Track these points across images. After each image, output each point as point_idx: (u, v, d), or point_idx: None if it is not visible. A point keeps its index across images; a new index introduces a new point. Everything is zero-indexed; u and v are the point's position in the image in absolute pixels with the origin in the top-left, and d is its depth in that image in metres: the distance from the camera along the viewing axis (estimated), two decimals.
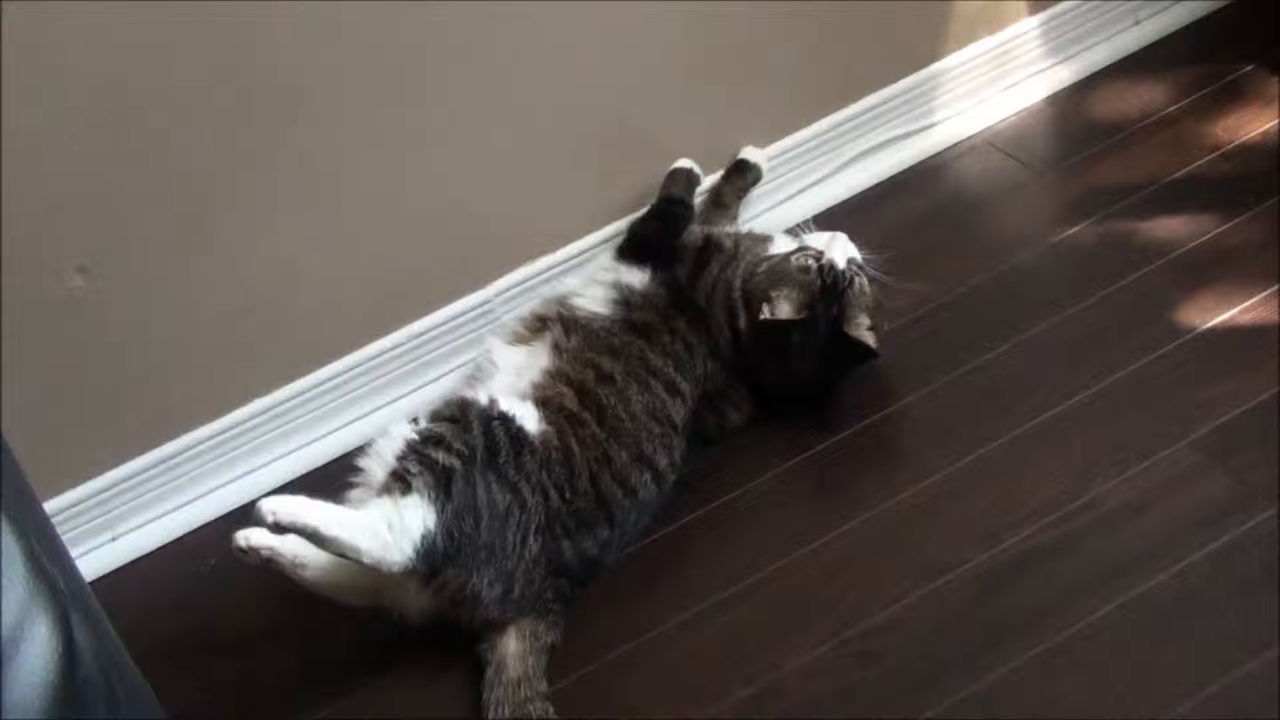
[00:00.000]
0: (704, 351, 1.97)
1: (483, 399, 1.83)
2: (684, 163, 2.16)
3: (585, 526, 1.80)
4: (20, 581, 0.98)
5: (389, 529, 1.66)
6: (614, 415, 1.86)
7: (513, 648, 1.73)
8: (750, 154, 2.23)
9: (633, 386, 1.89)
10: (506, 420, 1.79)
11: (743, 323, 1.98)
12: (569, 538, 1.79)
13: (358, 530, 1.65)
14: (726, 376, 1.99)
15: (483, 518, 1.71)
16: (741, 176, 2.23)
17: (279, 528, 1.65)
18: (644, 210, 2.15)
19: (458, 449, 1.74)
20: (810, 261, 1.97)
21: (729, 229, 2.15)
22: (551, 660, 1.75)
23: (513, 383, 1.90)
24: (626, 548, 1.87)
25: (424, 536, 1.67)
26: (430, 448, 1.74)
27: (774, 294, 1.94)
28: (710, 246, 2.05)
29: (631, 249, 2.08)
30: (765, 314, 1.93)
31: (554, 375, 1.90)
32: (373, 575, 1.71)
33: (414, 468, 1.72)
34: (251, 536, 1.67)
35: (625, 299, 1.99)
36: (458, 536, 1.69)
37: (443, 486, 1.70)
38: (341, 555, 1.66)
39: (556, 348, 1.94)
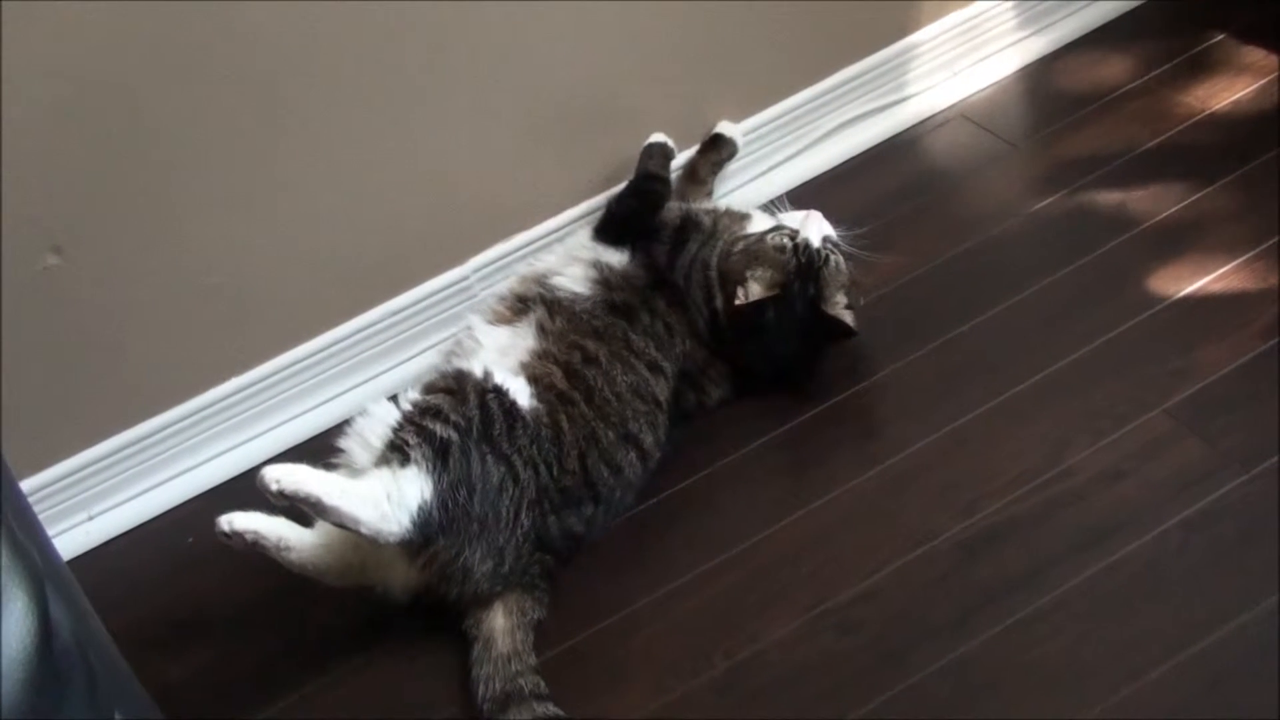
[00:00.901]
0: (683, 330, 1.98)
1: (478, 371, 1.82)
2: (658, 137, 2.15)
3: (572, 504, 1.81)
4: None
5: (388, 500, 1.66)
6: (601, 396, 1.87)
7: (500, 623, 1.73)
8: (725, 128, 2.23)
9: (617, 367, 1.90)
10: (501, 393, 1.79)
11: (719, 303, 1.98)
12: (555, 514, 1.79)
13: (357, 501, 1.65)
14: (706, 354, 2.00)
15: (476, 490, 1.71)
16: (716, 151, 2.23)
17: (282, 495, 1.63)
18: (620, 188, 2.14)
19: (455, 420, 1.74)
20: (785, 240, 1.97)
21: (707, 205, 2.15)
22: (537, 635, 1.75)
23: (498, 360, 1.90)
24: (610, 524, 1.87)
25: (420, 508, 1.67)
26: (429, 419, 1.74)
27: (749, 274, 1.94)
28: (688, 225, 2.05)
29: (609, 228, 2.07)
30: (740, 297, 1.94)
31: (541, 356, 1.90)
32: (360, 554, 1.72)
33: (412, 439, 1.71)
34: (235, 521, 1.68)
35: (605, 279, 1.99)
36: (452, 508, 1.69)
37: (440, 458, 1.70)
38: (340, 525, 1.65)
39: (542, 329, 1.94)
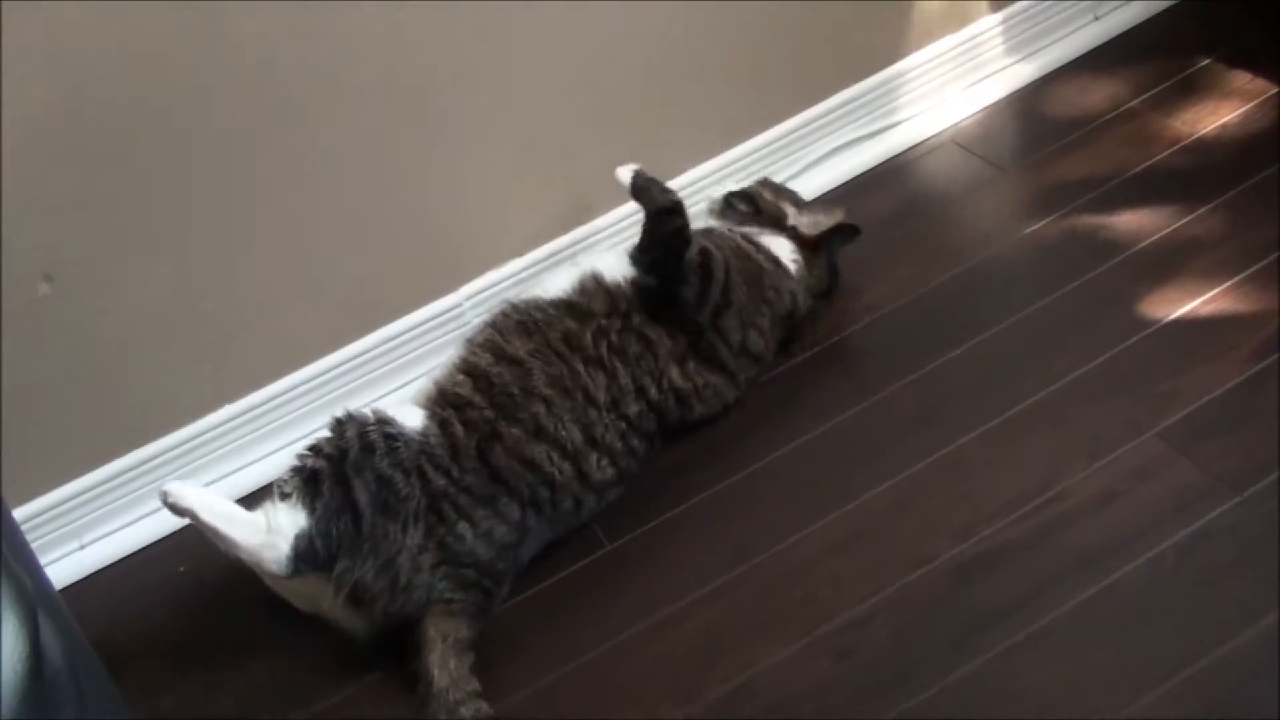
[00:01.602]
0: (666, 351, 1.96)
1: (366, 409, 1.84)
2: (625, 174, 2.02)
3: (483, 503, 1.79)
4: None
5: (267, 530, 1.73)
6: (503, 392, 1.86)
7: (433, 656, 1.73)
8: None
9: (536, 363, 1.88)
10: (384, 422, 1.81)
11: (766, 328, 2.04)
12: (466, 519, 1.78)
13: (239, 526, 1.73)
14: (715, 381, 2.00)
15: (362, 513, 1.73)
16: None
17: (173, 509, 1.75)
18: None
19: (327, 452, 1.78)
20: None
21: (721, 235, 2.09)
22: (478, 658, 1.74)
23: (423, 384, 1.92)
24: (560, 532, 1.87)
25: (298, 536, 1.72)
26: (303, 455, 1.79)
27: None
28: (708, 259, 1.99)
29: (642, 261, 2.01)
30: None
31: (455, 366, 1.91)
32: (305, 584, 1.76)
33: (287, 474, 1.78)
34: (172, 490, 1.76)
35: (583, 286, 1.97)
36: (337, 533, 1.73)
37: (311, 487, 1.74)
38: (228, 550, 1.73)
39: (467, 341, 1.95)
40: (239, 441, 2.08)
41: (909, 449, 1.90)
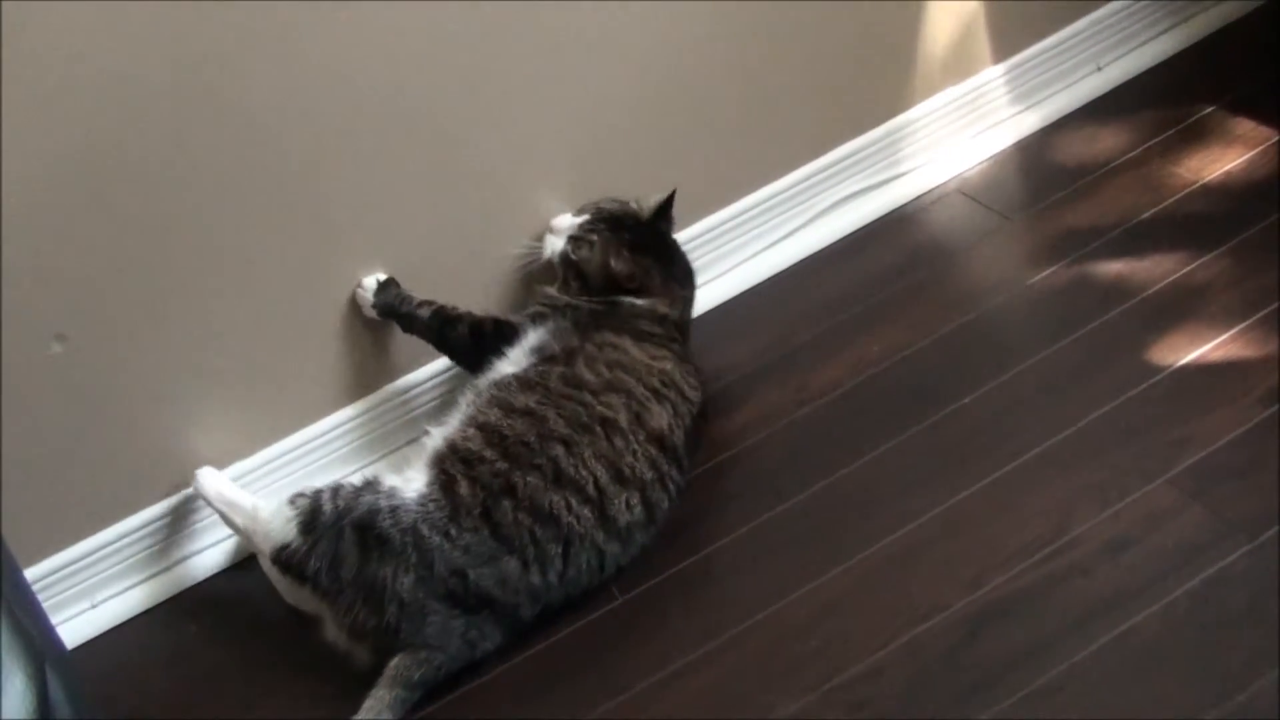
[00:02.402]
0: (626, 341, 1.99)
1: (385, 482, 1.85)
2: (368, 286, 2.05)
3: (481, 562, 1.79)
4: None
5: (260, 522, 1.88)
6: (518, 442, 1.86)
7: (383, 696, 1.75)
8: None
9: (549, 409, 1.89)
10: (388, 495, 1.83)
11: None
12: (457, 575, 1.79)
13: (236, 511, 1.94)
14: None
15: (345, 563, 1.79)
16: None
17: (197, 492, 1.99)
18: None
19: (337, 493, 1.83)
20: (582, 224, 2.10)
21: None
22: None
23: (433, 445, 1.91)
24: (572, 591, 1.86)
25: (283, 547, 1.82)
26: (323, 486, 1.86)
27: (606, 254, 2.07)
28: (536, 317, 2.06)
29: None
30: (614, 266, 2.06)
31: (465, 423, 1.91)
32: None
33: (306, 494, 1.85)
34: (204, 479, 1.98)
35: (538, 347, 2.00)
36: (316, 574, 1.80)
37: (311, 517, 1.82)
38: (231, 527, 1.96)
39: (471, 402, 1.95)
40: None
41: (919, 498, 1.90)
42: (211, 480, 1.98)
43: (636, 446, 1.89)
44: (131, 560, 2.03)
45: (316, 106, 1.89)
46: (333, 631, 1.83)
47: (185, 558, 2.07)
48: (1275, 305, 2.03)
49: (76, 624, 2.01)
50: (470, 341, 2.04)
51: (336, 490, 1.84)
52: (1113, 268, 2.18)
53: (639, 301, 2.06)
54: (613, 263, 2.05)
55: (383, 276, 2.04)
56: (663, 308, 2.07)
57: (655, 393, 1.94)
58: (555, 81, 2.06)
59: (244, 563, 2.05)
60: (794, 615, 1.80)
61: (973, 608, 1.75)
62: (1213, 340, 2.01)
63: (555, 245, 2.10)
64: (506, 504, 1.82)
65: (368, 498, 1.82)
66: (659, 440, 1.91)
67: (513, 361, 2.00)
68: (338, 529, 1.80)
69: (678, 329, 2.08)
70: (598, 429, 1.88)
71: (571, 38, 2.04)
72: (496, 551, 1.80)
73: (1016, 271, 2.24)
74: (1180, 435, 1.89)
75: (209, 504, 1.98)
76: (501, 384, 1.95)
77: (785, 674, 1.74)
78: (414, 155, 2.00)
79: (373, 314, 2.04)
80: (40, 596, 1.93)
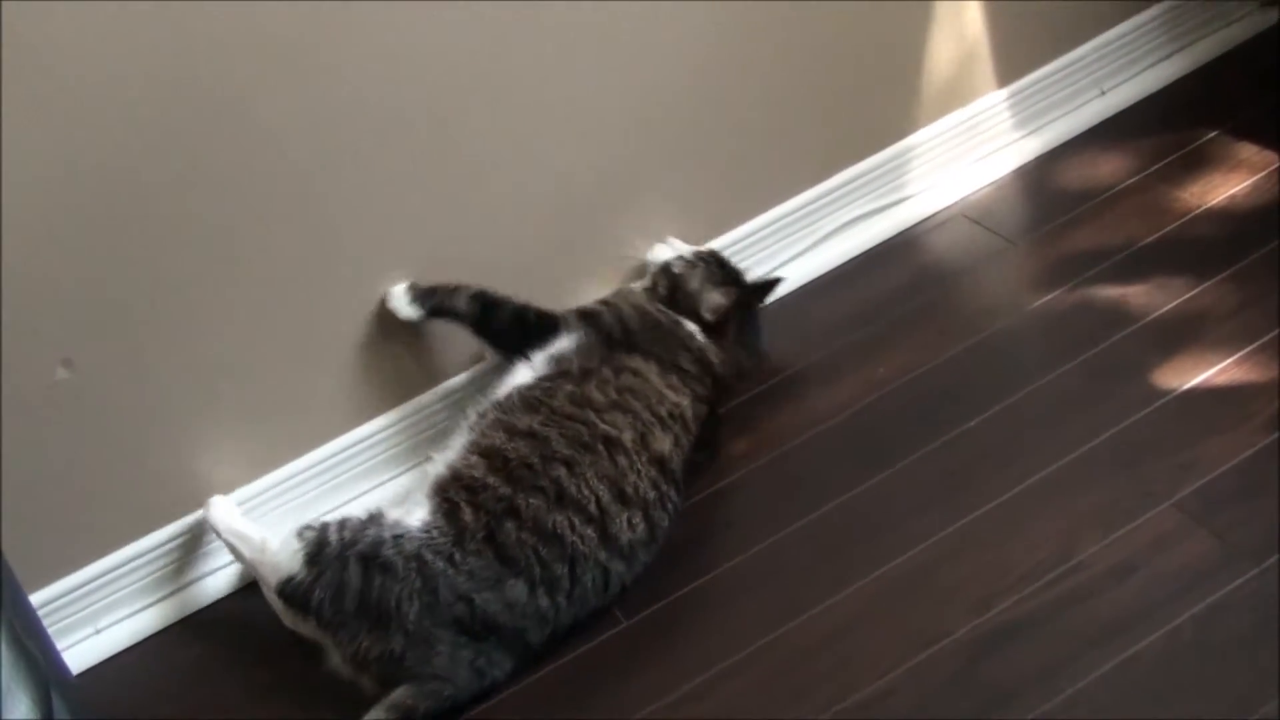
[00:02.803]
0: (659, 378, 2.00)
1: (389, 515, 1.87)
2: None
3: (486, 586, 1.80)
4: (2, 657, 0.99)
5: (268, 554, 1.88)
6: (521, 464, 1.87)
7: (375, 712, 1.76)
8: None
9: (551, 430, 1.90)
10: (392, 527, 1.84)
11: (700, 337, 2.10)
12: (463, 600, 1.79)
13: (242, 542, 1.94)
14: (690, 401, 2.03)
15: (348, 592, 1.79)
16: None
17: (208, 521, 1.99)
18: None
19: (343, 527, 1.84)
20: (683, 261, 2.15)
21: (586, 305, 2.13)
22: None
23: (435, 472, 1.92)
24: (580, 611, 1.86)
25: (289, 579, 1.82)
26: (330, 519, 1.86)
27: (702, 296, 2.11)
28: (583, 316, 2.08)
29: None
30: (708, 314, 2.10)
31: (468, 449, 1.92)
32: None
33: (313, 527, 1.85)
34: (215, 510, 1.99)
35: (555, 358, 2.01)
36: (319, 602, 1.80)
37: (317, 549, 1.82)
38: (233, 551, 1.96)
39: (471, 428, 1.96)
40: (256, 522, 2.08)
41: (924, 522, 1.90)
42: (222, 511, 1.99)
43: (640, 466, 1.90)
44: (136, 585, 2.03)
45: (329, 123, 1.89)
46: (336, 661, 1.82)
47: (189, 583, 2.07)
48: (1279, 330, 2.03)
49: (82, 649, 2.01)
50: (512, 328, 2.05)
51: (343, 523, 1.84)
52: (1117, 292, 2.18)
53: (699, 336, 2.08)
54: (712, 293, 2.10)
55: (405, 284, 2.04)
56: (713, 356, 2.08)
57: (661, 420, 1.95)
58: (560, 110, 2.06)
59: (248, 587, 2.05)
60: (802, 638, 1.80)
61: (980, 631, 1.75)
62: (1217, 365, 2.01)
63: (664, 254, 2.17)
64: (510, 526, 1.82)
65: (372, 530, 1.83)
66: (660, 462, 1.92)
67: (533, 367, 2.01)
68: (342, 560, 1.80)
69: (715, 384, 2.08)
70: (600, 448, 1.89)
71: (577, 65, 2.05)
72: (502, 574, 1.81)
73: (1021, 295, 2.24)
74: (1185, 460, 1.89)
75: (217, 534, 1.99)
76: (505, 405, 1.95)
77: (793, 697, 1.73)
78: (424, 170, 2.00)
79: (410, 312, 2.03)
80: (46, 621, 1.92)
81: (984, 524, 1.88)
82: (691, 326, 2.09)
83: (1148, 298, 2.15)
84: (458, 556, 1.81)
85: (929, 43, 2.34)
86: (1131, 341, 2.09)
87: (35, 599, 1.93)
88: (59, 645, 1.92)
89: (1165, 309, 2.12)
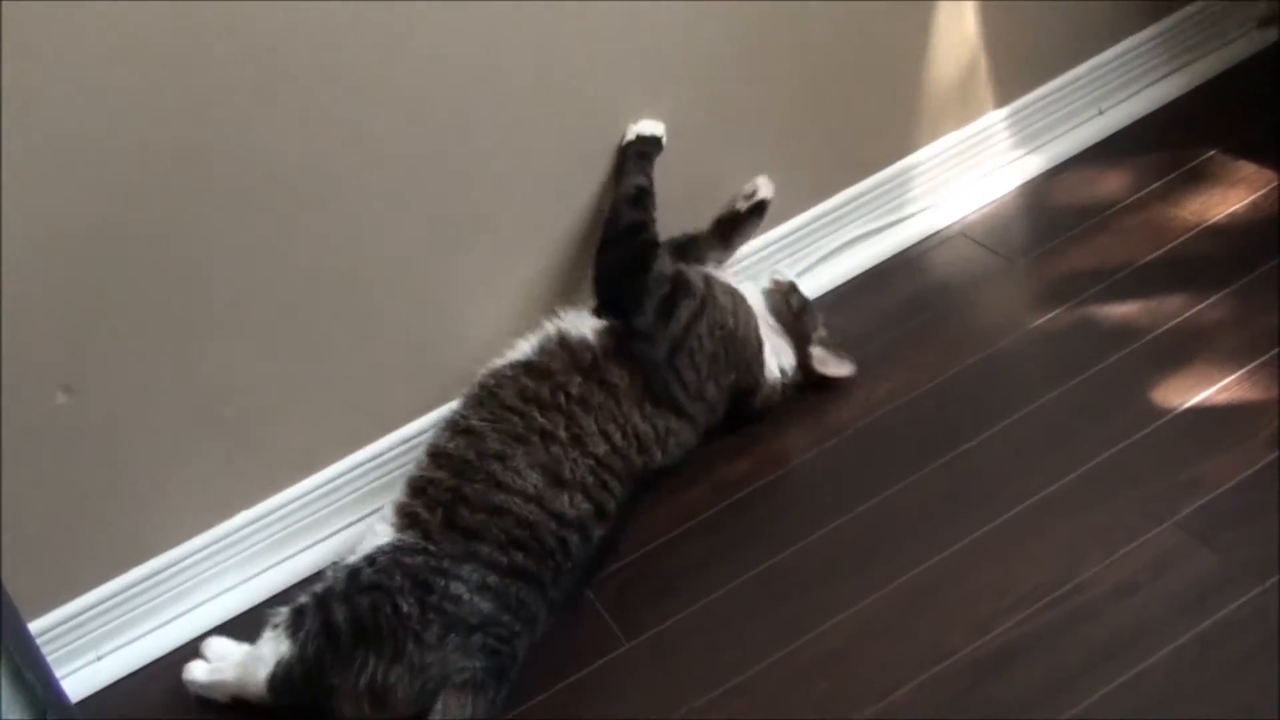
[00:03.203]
0: (633, 396, 2.01)
1: (351, 558, 1.88)
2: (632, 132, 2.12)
3: (466, 559, 1.83)
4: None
5: (250, 660, 1.85)
6: (460, 459, 1.92)
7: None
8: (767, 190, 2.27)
9: (488, 425, 1.95)
10: (359, 555, 1.87)
11: (790, 363, 2.14)
12: (455, 578, 1.81)
13: (220, 672, 1.89)
14: (675, 425, 2.04)
15: (340, 631, 1.78)
16: (759, 217, 2.27)
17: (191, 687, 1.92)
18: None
19: (313, 590, 1.85)
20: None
21: (697, 269, 2.15)
22: None
23: (395, 499, 1.95)
24: (564, 594, 1.88)
25: (278, 664, 1.80)
26: (300, 593, 1.87)
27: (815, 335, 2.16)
28: (679, 289, 2.07)
29: (600, 293, 2.11)
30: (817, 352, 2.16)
31: (425, 452, 1.98)
32: None
33: (283, 610, 1.85)
34: (193, 670, 1.91)
35: (543, 347, 2.03)
36: (315, 656, 1.79)
37: (296, 618, 1.82)
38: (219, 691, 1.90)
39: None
40: (256, 547, 2.08)
41: (925, 542, 1.90)
42: (198, 672, 1.92)
43: (575, 456, 1.94)
44: (138, 611, 2.03)
45: (326, 155, 1.90)
46: (350, 710, 1.79)
47: (194, 607, 2.07)
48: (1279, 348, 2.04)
49: (84, 675, 2.01)
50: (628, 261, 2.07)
51: (307, 589, 1.87)
52: (1117, 310, 2.18)
53: (782, 361, 2.13)
54: (812, 328, 2.13)
55: None
56: (777, 389, 2.14)
57: (605, 435, 1.97)
58: (560, 136, 2.07)
59: (253, 609, 2.05)
60: (803, 660, 1.80)
61: (982, 651, 1.74)
62: (1218, 383, 2.01)
63: (786, 274, 2.21)
64: (463, 510, 1.87)
65: (340, 570, 1.85)
66: (594, 458, 1.95)
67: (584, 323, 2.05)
68: (324, 607, 1.81)
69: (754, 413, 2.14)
70: (535, 439, 1.93)
71: (583, 97, 2.06)
72: (473, 546, 1.84)
73: (1021, 314, 2.24)
74: (1187, 478, 1.89)
75: (204, 692, 1.92)
76: (463, 401, 2.00)
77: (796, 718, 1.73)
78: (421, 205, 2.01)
79: None
80: (47, 648, 1.92)
81: (985, 543, 1.88)
82: (786, 351, 2.15)
83: (1148, 316, 2.15)
84: (431, 546, 1.84)
85: (928, 62, 2.35)
86: (1132, 360, 2.09)
87: (35, 626, 1.93)
88: (60, 672, 1.92)
89: (1166, 327, 2.12)
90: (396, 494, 1.95)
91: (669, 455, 2.04)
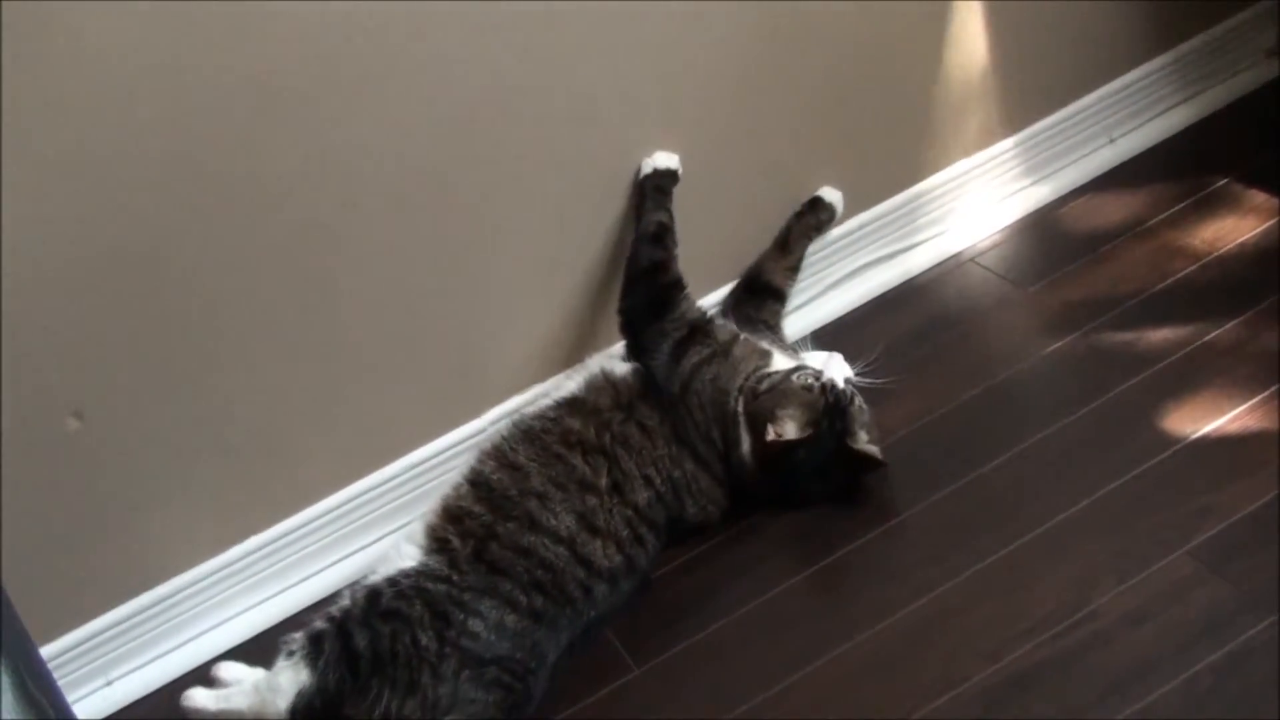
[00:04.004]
0: (667, 435, 2.00)
1: (372, 577, 1.88)
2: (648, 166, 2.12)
3: (486, 595, 1.83)
4: (10, 706, 0.99)
5: (266, 689, 1.81)
6: (501, 495, 1.92)
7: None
8: (826, 193, 2.27)
9: (535, 465, 1.94)
10: (381, 575, 1.87)
11: (746, 443, 2.01)
12: (474, 614, 1.80)
13: (234, 699, 1.86)
14: (693, 467, 2.02)
15: (361, 657, 1.77)
16: (815, 214, 2.27)
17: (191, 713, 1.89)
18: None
19: (330, 614, 1.83)
20: (812, 381, 2.01)
21: (724, 323, 2.14)
22: None
23: (426, 520, 1.94)
24: (576, 631, 1.87)
25: (299, 694, 1.77)
26: (315, 615, 1.85)
27: (780, 413, 1.98)
28: (696, 333, 2.06)
29: (625, 336, 2.11)
30: (771, 434, 1.97)
31: (463, 476, 1.97)
32: None
33: (297, 635, 1.83)
34: (195, 696, 1.88)
35: (590, 383, 2.04)
36: (335, 686, 1.76)
37: (315, 645, 1.79)
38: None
39: (479, 449, 2.00)
40: (267, 571, 2.08)
41: (936, 569, 1.89)
42: (201, 698, 1.89)
43: (611, 506, 1.93)
44: (148, 636, 2.03)
45: (336, 181, 1.91)
46: None
47: (204, 631, 2.07)
48: None
49: (94, 700, 2.01)
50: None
51: (323, 611, 1.85)
52: (1128, 338, 2.18)
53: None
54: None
55: None
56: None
57: (647, 480, 1.96)
58: (563, 169, 2.08)
59: (265, 633, 2.05)
60: (810, 689, 1.79)
61: (992, 680, 1.73)
62: (1230, 411, 2.01)
63: (844, 372, 2.07)
64: (494, 546, 1.87)
65: (359, 591, 1.84)
66: (634, 507, 1.94)
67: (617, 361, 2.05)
68: (344, 633, 1.79)
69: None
70: (572, 488, 1.93)
71: (584, 111, 2.07)
72: (496, 582, 1.84)
73: (1032, 341, 2.24)
74: (1199, 507, 1.88)
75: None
76: (508, 432, 1.99)
77: None
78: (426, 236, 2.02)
79: None
80: (57, 673, 1.92)
81: (995, 572, 1.87)
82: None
83: (1159, 344, 2.15)
84: (455, 576, 1.84)
85: (939, 90, 2.35)
86: (1144, 388, 2.08)
87: (46, 651, 1.93)
88: (70, 697, 1.92)
89: (1176, 356, 2.12)
90: (428, 514, 1.94)
91: (699, 506, 2.02)
